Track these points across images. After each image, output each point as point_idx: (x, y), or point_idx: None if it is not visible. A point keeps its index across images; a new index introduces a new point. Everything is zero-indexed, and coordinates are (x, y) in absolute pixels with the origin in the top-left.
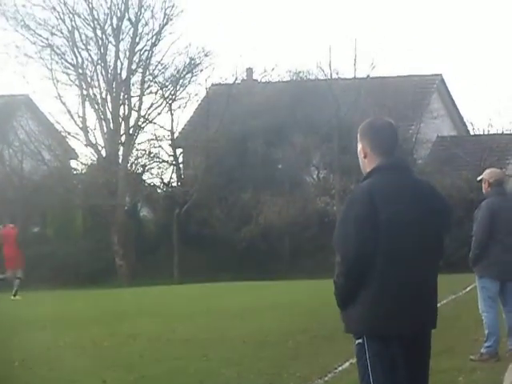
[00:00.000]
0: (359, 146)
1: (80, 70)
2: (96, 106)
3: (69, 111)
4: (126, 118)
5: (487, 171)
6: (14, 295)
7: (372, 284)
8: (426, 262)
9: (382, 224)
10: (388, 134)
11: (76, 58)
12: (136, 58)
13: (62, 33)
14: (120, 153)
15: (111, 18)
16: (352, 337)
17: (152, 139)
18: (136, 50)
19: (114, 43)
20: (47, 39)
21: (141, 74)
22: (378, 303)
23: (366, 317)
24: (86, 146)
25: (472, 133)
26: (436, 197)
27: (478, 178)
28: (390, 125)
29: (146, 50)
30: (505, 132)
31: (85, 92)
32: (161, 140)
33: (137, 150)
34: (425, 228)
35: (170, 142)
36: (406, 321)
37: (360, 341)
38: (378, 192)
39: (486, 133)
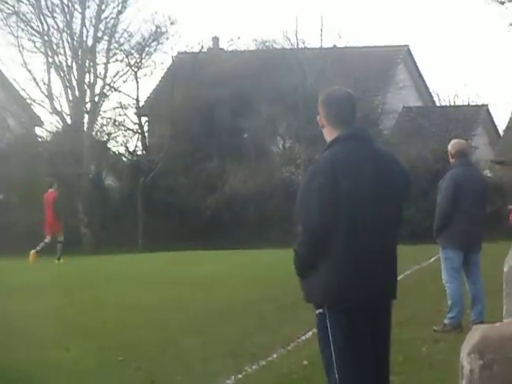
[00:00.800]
0: (318, 117)
1: (46, 38)
2: (61, 74)
3: (34, 78)
4: (92, 86)
5: (451, 142)
6: (58, 259)
7: (333, 254)
8: (385, 233)
9: (343, 194)
10: (345, 104)
11: (42, 25)
12: (102, 26)
13: (28, 0)
14: (85, 121)
15: None
16: (313, 306)
17: (117, 107)
18: (102, 17)
19: (80, 10)
20: (13, 6)
21: (107, 42)
22: (338, 273)
23: (327, 286)
24: (51, 113)
25: (438, 104)
26: (396, 167)
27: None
28: (347, 95)
29: (112, 18)
30: (470, 103)
31: (50, 59)
32: (126, 108)
33: (102, 117)
34: (384, 198)
35: (135, 110)
36: (367, 290)
37: (321, 310)
38: (339, 163)
39: (451, 104)
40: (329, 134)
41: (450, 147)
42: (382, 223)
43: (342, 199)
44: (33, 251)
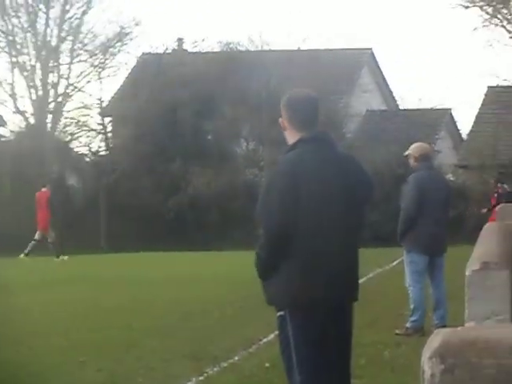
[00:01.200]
0: (280, 119)
1: (10, 37)
2: (25, 74)
3: None
4: (55, 86)
5: (413, 146)
6: (57, 257)
7: (293, 256)
8: (346, 235)
9: (303, 197)
10: (307, 106)
11: (6, 24)
12: (66, 26)
13: None
14: (48, 121)
15: None
16: (275, 308)
17: (81, 107)
18: (66, 17)
19: (44, 10)
20: None
21: (71, 42)
22: (299, 275)
23: (288, 289)
24: (14, 113)
25: (401, 107)
26: (358, 170)
27: (405, 153)
28: (308, 98)
29: (76, 18)
30: (434, 107)
31: (14, 59)
32: (90, 108)
33: (65, 118)
34: (345, 201)
35: (98, 110)
36: (328, 293)
37: (282, 313)
38: (300, 165)
39: (415, 108)
40: (291, 137)
41: (412, 151)
42: (343, 226)
43: (302, 201)
44: (55, 259)
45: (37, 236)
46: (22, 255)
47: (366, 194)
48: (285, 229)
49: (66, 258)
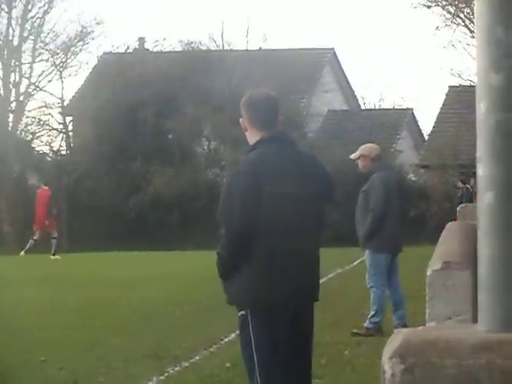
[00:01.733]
0: (240, 120)
1: None
2: None
3: None
4: (17, 85)
5: (366, 147)
6: (53, 254)
7: (255, 256)
8: (307, 235)
9: (265, 196)
10: (267, 106)
11: None
12: (28, 26)
13: None
14: (10, 120)
15: None
16: (236, 308)
17: (42, 106)
18: (28, 17)
19: (6, 10)
20: None
21: (32, 42)
22: (260, 275)
23: (249, 288)
24: None
25: (363, 107)
26: (318, 169)
27: (353, 156)
28: (268, 97)
29: (38, 18)
30: (395, 107)
31: None
32: (51, 108)
33: (27, 117)
34: (306, 201)
35: (60, 109)
36: (288, 292)
37: (243, 312)
38: (261, 164)
39: (376, 107)
40: (252, 137)
41: (366, 152)
42: (304, 225)
43: (264, 201)
44: (22, 252)
45: (36, 236)
46: (22, 252)
47: (326, 194)
48: (246, 229)
49: (58, 257)
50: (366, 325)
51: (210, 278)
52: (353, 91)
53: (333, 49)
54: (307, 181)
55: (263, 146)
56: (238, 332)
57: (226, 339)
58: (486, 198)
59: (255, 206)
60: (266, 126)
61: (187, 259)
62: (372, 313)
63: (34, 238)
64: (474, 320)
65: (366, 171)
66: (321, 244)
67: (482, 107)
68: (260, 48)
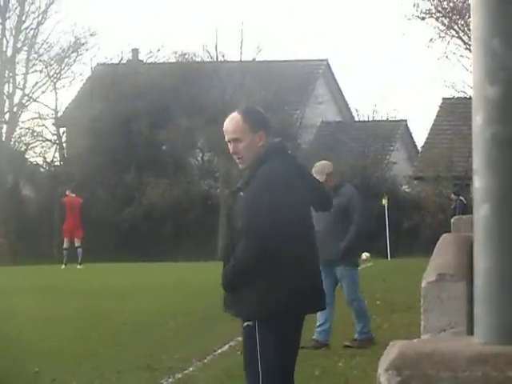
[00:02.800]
0: (258, 134)
1: None
2: None
3: None
4: (11, 96)
5: (326, 164)
6: (79, 264)
7: (265, 268)
8: (313, 246)
9: (283, 207)
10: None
11: None
12: (22, 37)
13: None
14: (3, 131)
15: None
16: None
17: (36, 118)
18: (22, 28)
19: (0, 21)
20: None
21: (26, 53)
22: (272, 287)
23: (261, 300)
24: None
25: (357, 119)
26: (314, 181)
27: (327, 173)
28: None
29: (31, 29)
30: (389, 118)
31: None
32: (45, 119)
33: (20, 128)
34: (309, 212)
35: (53, 120)
36: (297, 303)
37: (249, 323)
38: (283, 176)
39: (370, 119)
40: (252, 148)
41: (329, 168)
42: (309, 236)
43: (282, 211)
44: (63, 266)
45: (65, 245)
46: (62, 266)
47: (324, 204)
48: (268, 240)
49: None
50: (356, 337)
51: (202, 288)
52: (346, 103)
53: (326, 60)
54: (310, 192)
55: (278, 157)
56: (232, 343)
57: (220, 350)
58: (482, 210)
59: (278, 218)
60: (270, 136)
61: (180, 270)
62: (360, 325)
63: (64, 247)
64: (469, 332)
65: (333, 185)
66: None
67: (477, 119)
68: (254, 59)
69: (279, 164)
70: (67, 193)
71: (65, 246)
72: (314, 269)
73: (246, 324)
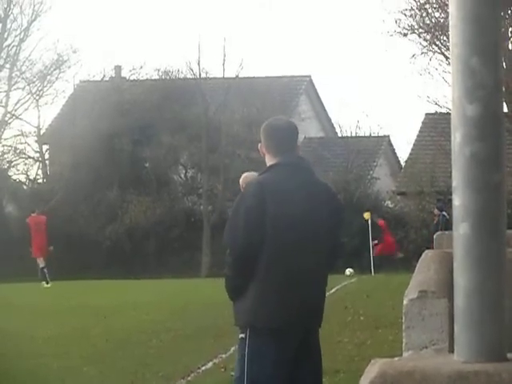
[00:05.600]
0: (259, 145)
1: None
2: None
3: None
4: None
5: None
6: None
7: (258, 277)
8: (312, 258)
9: (270, 218)
10: (283, 134)
11: None
12: (4, 54)
13: None
14: None
15: None
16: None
17: (18, 135)
18: (4, 45)
19: None
20: None
21: (8, 70)
22: (263, 297)
23: (250, 310)
24: None
25: (340, 135)
26: (329, 197)
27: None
28: (287, 125)
29: (13, 46)
30: (372, 134)
31: None
32: (27, 136)
33: (3, 145)
34: (313, 226)
35: (36, 138)
36: (288, 316)
37: (243, 335)
38: (268, 187)
39: (353, 135)
40: (268, 162)
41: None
42: (309, 249)
43: (268, 223)
44: (45, 285)
45: (41, 263)
46: (47, 285)
47: (335, 220)
48: (249, 248)
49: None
50: None
51: (186, 305)
52: (329, 118)
53: (309, 76)
54: (316, 207)
55: (274, 169)
56: (216, 361)
57: (204, 368)
58: (461, 229)
59: (259, 227)
60: (280, 151)
61: (163, 287)
62: None
63: (42, 266)
64: (451, 349)
65: None
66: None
67: (457, 137)
68: (237, 76)
69: (270, 175)
70: (32, 214)
71: (41, 265)
72: (300, 283)
73: (240, 336)
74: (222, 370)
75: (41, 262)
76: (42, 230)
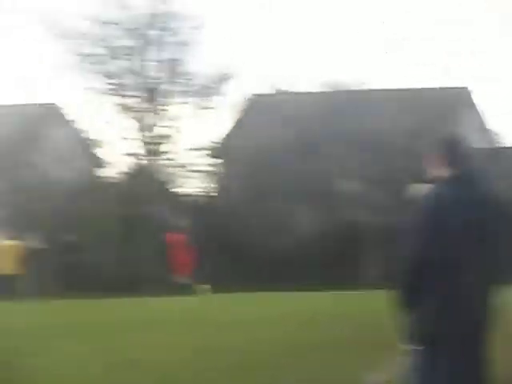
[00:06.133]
0: (427, 155)
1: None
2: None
3: None
4: (150, 128)
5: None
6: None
7: (429, 292)
8: (482, 272)
9: (441, 232)
10: (458, 146)
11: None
12: (166, 67)
13: None
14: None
15: None
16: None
17: (191, 149)
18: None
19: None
20: None
21: (172, 84)
22: (442, 308)
23: (420, 324)
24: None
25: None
26: (502, 208)
27: None
28: (461, 137)
29: (176, 60)
30: None
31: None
32: (199, 150)
33: (173, 161)
34: (476, 240)
35: (208, 152)
36: (454, 329)
37: (416, 348)
38: (447, 199)
39: None
40: (438, 174)
41: None
42: (479, 262)
43: (441, 237)
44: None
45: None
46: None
47: (495, 234)
48: (419, 263)
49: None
50: None
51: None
52: (491, 129)
53: (466, 88)
54: (479, 220)
55: (450, 182)
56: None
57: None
58: None
59: (433, 240)
60: (455, 163)
61: (339, 299)
62: None
63: (188, 282)
64: None
65: None
66: (495, 282)
67: None
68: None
69: (440, 191)
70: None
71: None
72: (474, 294)
73: (411, 348)
74: None
75: (183, 279)
76: (182, 247)
